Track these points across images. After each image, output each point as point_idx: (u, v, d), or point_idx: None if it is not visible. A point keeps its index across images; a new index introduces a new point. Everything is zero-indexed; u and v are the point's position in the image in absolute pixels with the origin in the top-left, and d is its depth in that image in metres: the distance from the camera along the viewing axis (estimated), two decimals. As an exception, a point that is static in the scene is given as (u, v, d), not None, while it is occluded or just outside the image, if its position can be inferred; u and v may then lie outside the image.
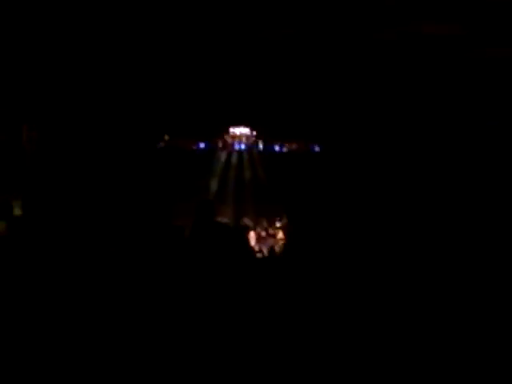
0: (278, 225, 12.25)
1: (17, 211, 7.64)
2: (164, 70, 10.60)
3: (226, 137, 13.25)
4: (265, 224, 12.96)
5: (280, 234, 11.76)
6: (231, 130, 13.10)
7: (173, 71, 10.65)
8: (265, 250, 11.66)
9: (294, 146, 13.32)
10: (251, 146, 13.23)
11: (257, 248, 11.23)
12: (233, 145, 13.26)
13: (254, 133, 13.08)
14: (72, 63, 10.00)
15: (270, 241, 12.27)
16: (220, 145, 13.35)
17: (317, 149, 13.06)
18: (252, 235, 12.08)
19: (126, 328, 3.63)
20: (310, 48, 10.21)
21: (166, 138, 12.80)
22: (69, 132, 10.72)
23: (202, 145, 13.18)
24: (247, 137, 13.16)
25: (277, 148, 13.28)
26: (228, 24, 9.53)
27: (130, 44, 9.78)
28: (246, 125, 13.02)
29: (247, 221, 12.87)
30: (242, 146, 13.22)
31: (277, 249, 10.78)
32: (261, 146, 13.21)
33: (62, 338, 3.51)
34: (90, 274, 4.14)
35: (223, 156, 13.49)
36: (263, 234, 12.73)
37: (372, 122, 11.06)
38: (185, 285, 4.12)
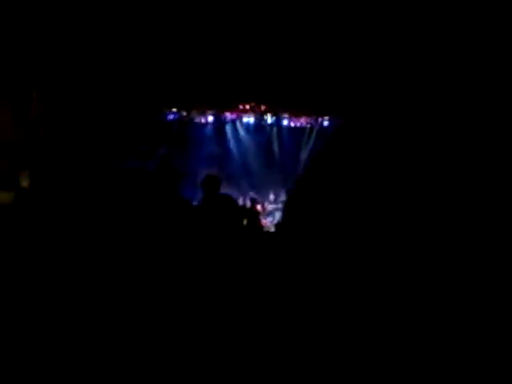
0: (283, 198, 12.20)
1: (24, 183, 7.67)
2: (174, 44, 10.50)
3: (235, 110, 13.17)
4: (271, 197, 12.96)
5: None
6: (240, 104, 13.01)
7: (182, 47, 10.55)
8: (270, 224, 11.67)
9: (302, 120, 13.23)
10: (259, 120, 13.17)
11: (263, 222, 11.23)
12: (241, 118, 13.20)
13: (263, 107, 12.98)
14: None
15: (276, 214, 12.27)
16: (228, 118, 13.29)
17: (326, 123, 12.97)
18: (258, 208, 12.09)
19: (127, 300, 3.63)
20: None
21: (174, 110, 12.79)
22: (77, 104, 10.71)
23: (210, 118, 13.13)
24: (256, 110, 13.08)
25: (285, 122, 13.20)
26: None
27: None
28: (254, 99, 12.93)
29: (253, 194, 12.88)
30: (250, 120, 13.16)
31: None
32: (269, 119, 13.13)
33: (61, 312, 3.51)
34: (93, 246, 4.15)
35: (230, 129, 13.45)
36: (269, 207, 12.73)
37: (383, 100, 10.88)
38: (191, 257, 4.13)
